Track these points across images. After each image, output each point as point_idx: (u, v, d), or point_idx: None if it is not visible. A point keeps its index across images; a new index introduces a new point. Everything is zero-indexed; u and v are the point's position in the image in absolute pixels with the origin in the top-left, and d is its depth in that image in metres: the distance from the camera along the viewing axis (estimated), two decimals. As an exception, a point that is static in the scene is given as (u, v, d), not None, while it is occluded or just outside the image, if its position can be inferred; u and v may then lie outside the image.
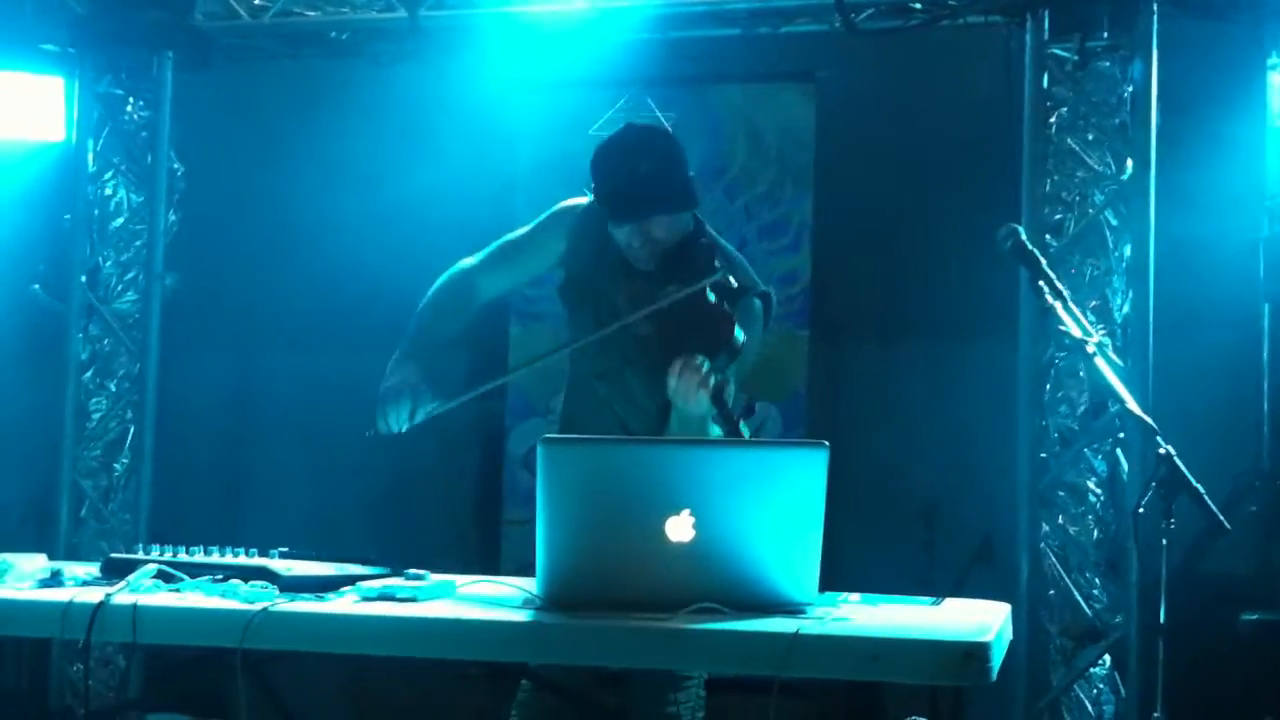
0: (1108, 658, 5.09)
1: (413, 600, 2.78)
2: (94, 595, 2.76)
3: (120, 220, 6.20)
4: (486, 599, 2.83)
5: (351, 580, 2.93)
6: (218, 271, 6.62)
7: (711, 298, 3.15)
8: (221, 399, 7.03)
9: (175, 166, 6.21)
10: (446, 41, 5.93)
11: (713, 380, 3.02)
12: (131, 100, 6.20)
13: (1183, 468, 2.81)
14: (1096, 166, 5.21)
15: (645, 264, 3.30)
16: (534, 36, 5.82)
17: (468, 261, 3.54)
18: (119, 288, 6.18)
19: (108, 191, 6.19)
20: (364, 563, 3.09)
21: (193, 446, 6.69)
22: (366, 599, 2.79)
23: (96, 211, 6.18)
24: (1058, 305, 3.12)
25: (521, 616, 2.65)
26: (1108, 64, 5.21)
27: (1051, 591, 5.14)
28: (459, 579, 3.01)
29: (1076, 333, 3.11)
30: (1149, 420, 2.94)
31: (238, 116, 6.61)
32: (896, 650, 2.44)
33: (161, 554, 3.03)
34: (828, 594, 2.76)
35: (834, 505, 2.65)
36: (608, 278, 3.35)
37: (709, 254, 3.23)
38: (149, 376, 6.10)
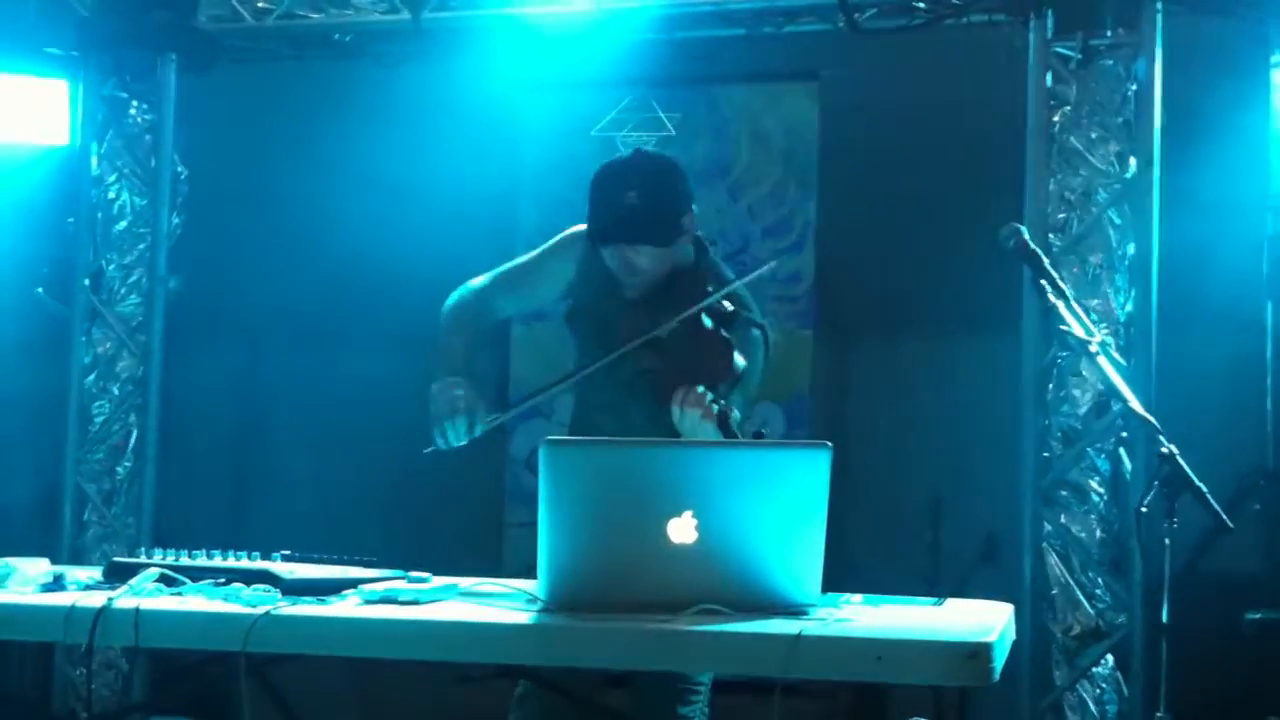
0: (1111, 657, 5.08)
1: (415, 603, 2.78)
2: (96, 599, 2.76)
3: (124, 223, 6.20)
4: (489, 601, 2.83)
5: (354, 583, 2.92)
6: (221, 274, 6.61)
7: (708, 323, 3.14)
8: (225, 402, 7.02)
9: (179, 169, 6.22)
10: (450, 43, 5.93)
11: (716, 408, 3.01)
12: (135, 103, 6.20)
13: (1186, 467, 2.81)
14: (1100, 165, 5.21)
15: (632, 292, 3.30)
16: (537, 37, 5.82)
17: (476, 282, 3.51)
18: (122, 291, 6.19)
19: (111, 194, 6.20)
20: (366, 565, 3.09)
21: (196, 449, 6.68)
22: (369, 602, 2.79)
23: (100, 214, 6.18)
24: (1060, 304, 3.12)
25: (524, 619, 2.64)
26: (1111, 62, 5.21)
27: (1055, 591, 5.13)
28: (462, 581, 3.01)
29: (1079, 332, 3.11)
30: (1152, 419, 2.94)
31: (241, 119, 6.60)
32: (900, 651, 2.44)
33: (164, 558, 3.03)
34: (830, 595, 2.76)
35: (838, 505, 2.64)
36: (613, 307, 3.33)
37: (703, 282, 3.22)
38: (152, 379, 6.11)
